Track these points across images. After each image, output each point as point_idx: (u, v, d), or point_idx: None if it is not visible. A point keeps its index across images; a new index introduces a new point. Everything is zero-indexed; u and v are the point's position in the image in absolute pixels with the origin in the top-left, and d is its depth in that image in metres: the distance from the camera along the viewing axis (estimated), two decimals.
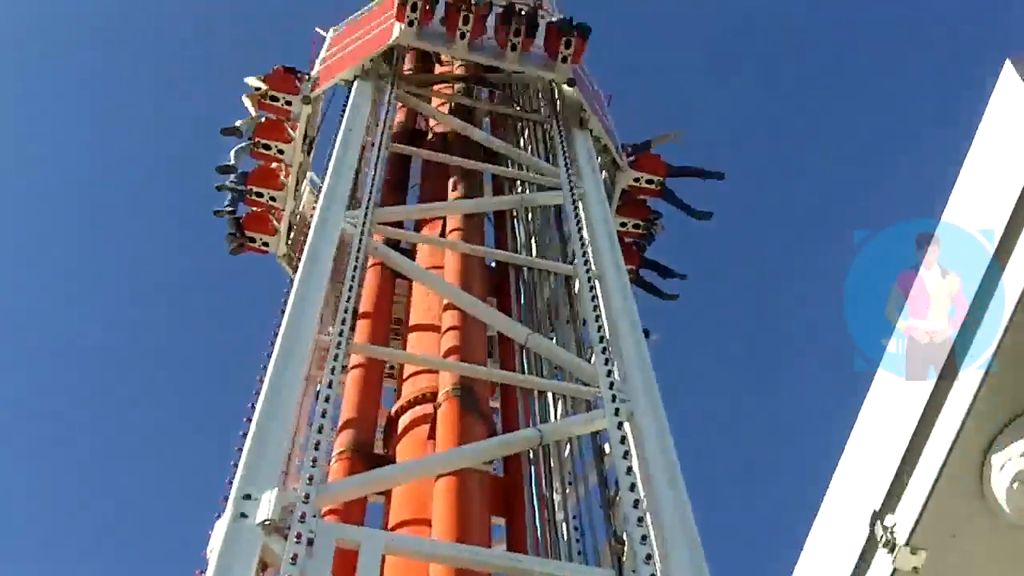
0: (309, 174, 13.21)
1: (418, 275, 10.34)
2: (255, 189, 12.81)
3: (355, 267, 8.56)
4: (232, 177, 12.92)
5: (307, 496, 5.99)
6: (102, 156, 36.15)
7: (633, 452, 7.22)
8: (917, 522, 7.88)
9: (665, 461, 7.25)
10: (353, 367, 9.35)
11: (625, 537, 6.82)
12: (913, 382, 7.94)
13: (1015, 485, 7.43)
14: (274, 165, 12.76)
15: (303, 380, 7.41)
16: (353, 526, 6.86)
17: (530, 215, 12.26)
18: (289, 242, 13.19)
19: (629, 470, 6.98)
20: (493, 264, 11.60)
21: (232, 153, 12.79)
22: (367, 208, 9.43)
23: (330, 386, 7.09)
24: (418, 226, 11.88)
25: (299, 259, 8.86)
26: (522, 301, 11.06)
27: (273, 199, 12.89)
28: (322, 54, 13.46)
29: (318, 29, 13.38)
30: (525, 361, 9.60)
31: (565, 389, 8.69)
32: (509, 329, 9.48)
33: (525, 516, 8.18)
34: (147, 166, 34.26)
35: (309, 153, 12.91)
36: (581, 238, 10.00)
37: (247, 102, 12.56)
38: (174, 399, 33.74)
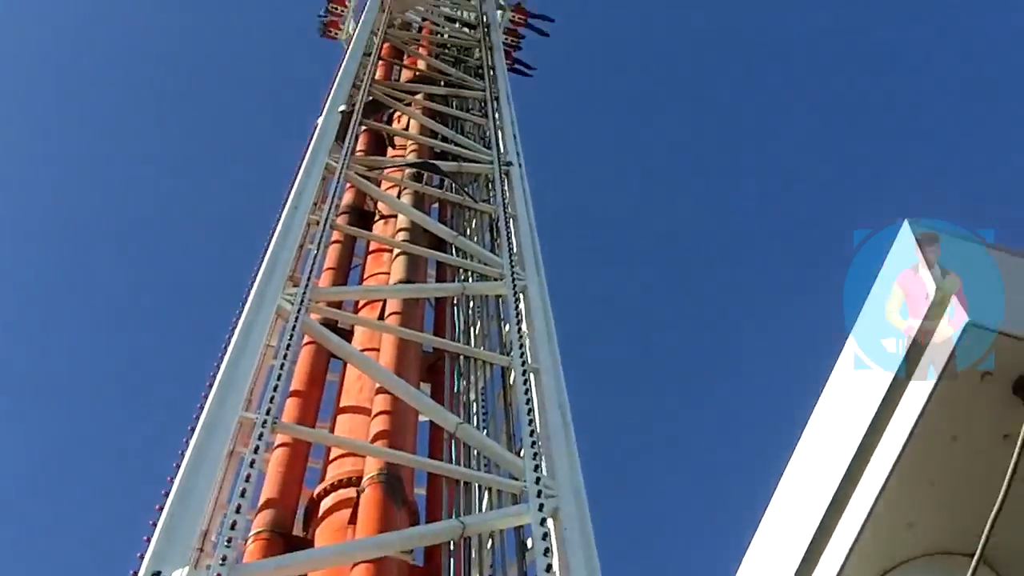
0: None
1: (352, 357, 10.28)
2: (334, 9, 24.86)
3: (288, 345, 8.56)
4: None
5: None
6: None
7: (555, 550, 7.09)
8: None
9: (588, 561, 7.11)
10: (278, 446, 9.27)
11: None
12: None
13: None
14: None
15: (226, 457, 7.30)
16: None
17: (471, 303, 12.37)
18: (345, 37, 23.79)
19: (549, 567, 6.85)
20: (431, 349, 11.58)
21: None
22: (306, 286, 9.49)
23: (252, 465, 6.95)
24: (357, 305, 12.32)
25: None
26: (456, 389, 11.01)
27: (341, 14, 24.71)
28: None
29: None
30: (454, 451, 9.54)
31: (491, 481, 8.59)
32: (439, 417, 9.39)
33: None
34: None
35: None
36: (519, 331, 10.05)
37: None
38: None
